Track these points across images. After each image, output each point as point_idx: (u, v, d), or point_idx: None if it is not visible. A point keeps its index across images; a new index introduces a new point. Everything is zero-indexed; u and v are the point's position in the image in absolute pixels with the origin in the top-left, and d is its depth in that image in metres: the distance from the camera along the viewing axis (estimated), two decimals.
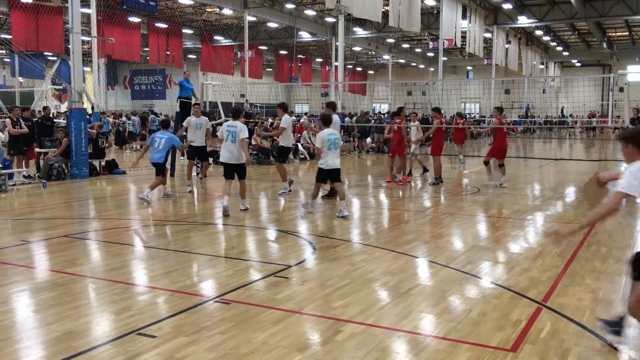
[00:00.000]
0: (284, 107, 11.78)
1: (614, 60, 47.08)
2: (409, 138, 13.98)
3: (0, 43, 28.49)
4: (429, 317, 4.67)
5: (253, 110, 31.45)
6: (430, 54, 48.50)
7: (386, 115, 29.53)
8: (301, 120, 24.22)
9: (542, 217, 9.54)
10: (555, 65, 53.98)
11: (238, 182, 9.36)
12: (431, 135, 13.67)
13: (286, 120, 11.31)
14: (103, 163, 14.99)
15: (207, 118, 12.61)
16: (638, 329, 4.50)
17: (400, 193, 12.14)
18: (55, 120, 20.65)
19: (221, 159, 9.40)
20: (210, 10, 35.18)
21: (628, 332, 4.43)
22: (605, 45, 45.17)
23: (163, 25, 34.00)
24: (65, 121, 19.18)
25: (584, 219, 4.06)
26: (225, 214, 8.96)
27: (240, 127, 9.11)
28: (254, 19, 34.61)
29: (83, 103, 15.04)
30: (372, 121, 25.81)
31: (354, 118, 26.42)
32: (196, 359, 3.85)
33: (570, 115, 43.17)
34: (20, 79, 35.52)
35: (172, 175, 14.06)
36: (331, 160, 9.07)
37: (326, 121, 9.50)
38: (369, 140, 23.73)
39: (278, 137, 11.86)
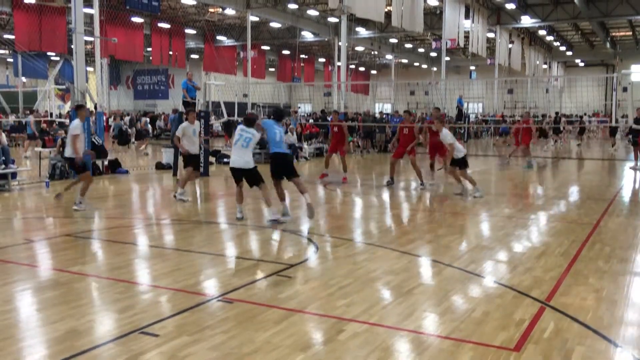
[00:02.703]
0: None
1: (618, 60, 46.91)
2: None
3: (4, 43, 28.58)
4: (432, 317, 4.66)
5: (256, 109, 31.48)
6: (433, 54, 48.47)
7: (389, 115, 29.55)
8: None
9: (546, 216, 9.52)
10: (559, 65, 53.84)
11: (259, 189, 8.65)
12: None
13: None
14: (106, 162, 15.00)
15: (198, 122, 12.01)
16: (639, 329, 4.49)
17: (403, 193, 12.12)
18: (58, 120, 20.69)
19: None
20: (212, 10, 35.19)
21: (630, 332, 4.41)
22: (608, 45, 45.04)
23: (166, 26, 34.03)
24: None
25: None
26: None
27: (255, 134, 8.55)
28: (256, 19, 34.60)
29: (86, 103, 15.06)
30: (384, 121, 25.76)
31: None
32: (199, 358, 3.85)
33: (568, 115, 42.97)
34: (24, 79, 35.60)
35: (175, 174, 14.09)
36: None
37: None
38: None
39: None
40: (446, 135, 10.98)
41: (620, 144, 27.02)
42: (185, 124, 10.92)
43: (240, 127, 8.69)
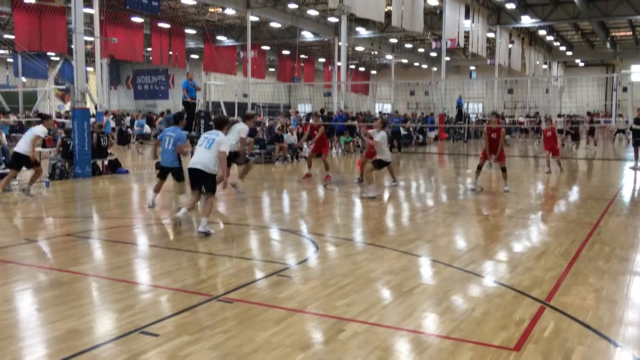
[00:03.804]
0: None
1: (618, 60, 46.94)
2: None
3: (4, 43, 28.58)
4: (432, 316, 4.66)
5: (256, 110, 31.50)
6: (433, 54, 48.49)
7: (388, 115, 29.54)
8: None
9: (546, 216, 9.52)
10: (559, 65, 53.88)
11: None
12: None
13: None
14: (106, 162, 15.01)
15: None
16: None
17: (402, 193, 12.13)
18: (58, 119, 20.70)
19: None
20: (212, 10, 35.20)
21: (630, 332, 4.42)
22: (608, 45, 45.07)
23: (166, 26, 34.03)
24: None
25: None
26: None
27: (220, 138, 7.79)
28: (256, 19, 34.62)
29: (86, 103, 15.07)
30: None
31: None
32: (199, 357, 3.85)
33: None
34: (24, 79, 35.62)
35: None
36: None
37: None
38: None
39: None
40: (381, 137, 11.23)
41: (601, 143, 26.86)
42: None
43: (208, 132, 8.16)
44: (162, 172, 9.61)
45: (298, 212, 9.91)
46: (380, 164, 11.44)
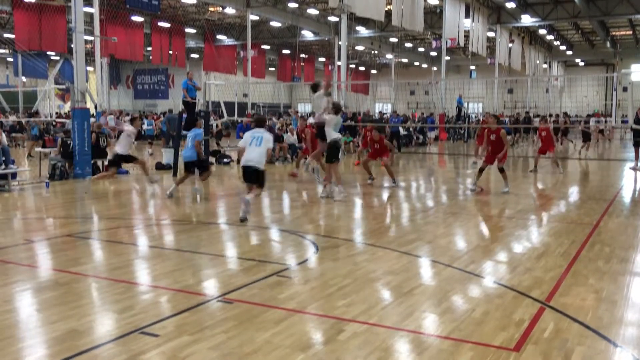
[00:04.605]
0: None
1: (618, 60, 46.94)
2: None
3: (4, 42, 28.57)
4: (432, 317, 4.67)
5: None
6: (433, 53, 48.46)
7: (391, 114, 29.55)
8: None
9: (546, 216, 9.52)
10: (559, 65, 53.86)
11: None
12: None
13: None
14: (106, 163, 14.99)
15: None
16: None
17: (402, 193, 12.13)
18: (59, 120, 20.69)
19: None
20: (213, 9, 35.21)
21: (629, 332, 4.42)
22: (608, 44, 45.05)
23: (166, 25, 34.04)
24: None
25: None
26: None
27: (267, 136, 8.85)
28: (256, 18, 34.63)
29: (86, 103, 15.07)
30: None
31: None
32: (199, 358, 3.85)
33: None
34: (24, 79, 35.62)
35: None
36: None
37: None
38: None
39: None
40: (330, 118, 10.94)
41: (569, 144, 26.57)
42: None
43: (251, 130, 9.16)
44: (188, 166, 11.10)
45: (298, 212, 9.90)
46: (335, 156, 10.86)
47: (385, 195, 11.87)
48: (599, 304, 4.99)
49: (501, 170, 11.69)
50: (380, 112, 36.74)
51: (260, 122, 9.37)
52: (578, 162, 19.89)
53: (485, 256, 6.66)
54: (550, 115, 29.55)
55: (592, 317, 4.63)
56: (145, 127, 28.90)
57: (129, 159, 12.00)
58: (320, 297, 5.11)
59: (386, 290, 5.38)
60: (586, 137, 22.85)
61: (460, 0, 30.51)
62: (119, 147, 11.70)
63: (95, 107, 19.09)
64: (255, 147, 8.62)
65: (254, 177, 8.73)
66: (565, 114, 36.12)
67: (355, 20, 32.22)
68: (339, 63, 30.09)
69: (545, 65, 49.39)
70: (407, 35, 43.00)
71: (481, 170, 11.80)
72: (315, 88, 11.72)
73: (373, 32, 39.04)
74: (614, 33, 44.51)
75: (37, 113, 27.48)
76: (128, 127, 12.24)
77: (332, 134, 10.85)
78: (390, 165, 13.18)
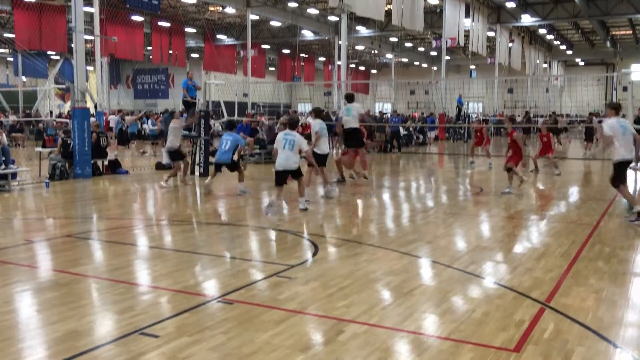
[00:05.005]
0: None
1: (618, 59, 46.91)
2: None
3: (4, 42, 28.55)
4: (432, 318, 4.67)
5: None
6: (433, 53, 48.41)
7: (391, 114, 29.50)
8: None
9: (546, 216, 9.52)
10: (559, 64, 53.83)
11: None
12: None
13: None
14: (106, 163, 15.00)
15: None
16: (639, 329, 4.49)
17: (402, 193, 12.13)
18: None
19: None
20: (213, 9, 35.18)
21: (630, 333, 4.42)
22: (609, 44, 45.02)
23: (166, 24, 34.00)
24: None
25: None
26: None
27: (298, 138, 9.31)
28: (256, 17, 34.60)
29: (86, 102, 15.06)
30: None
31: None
32: (199, 358, 3.85)
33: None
34: (24, 78, 35.57)
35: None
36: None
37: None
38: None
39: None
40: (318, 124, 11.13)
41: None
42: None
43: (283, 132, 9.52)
44: (218, 166, 11.42)
45: (298, 212, 9.88)
46: (323, 160, 10.98)
47: (385, 195, 11.87)
48: (599, 304, 4.99)
49: (508, 170, 11.66)
50: (380, 112, 36.74)
51: (293, 124, 9.68)
52: (578, 162, 19.88)
53: (485, 257, 6.66)
54: (550, 116, 29.63)
55: (592, 318, 4.63)
56: (149, 127, 28.88)
57: (177, 155, 12.61)
58: (321, 297, 5.11)
59: (386, 290, 5.38)
60: (589, 136, 22.70)
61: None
62: (171, 142, 12.47)
63: (95, 107, 19.03)
64: (287, 150, 9.11)
65: (287, 177, 9.30)
66: (554, 113, 36.10)
67: (355, 19, 32.19)
68: (339, 63, 30.08)
69: (545, 65, 49.36)
70: (407, 34, 42.98)
71: (509, 170, 11.64)
72: (351, 99, 13.01)
73: (373, 32, 39.01)
74: (614, 33, 44.48)
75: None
76: (171, 123, 13.12)
77: (324, 150, 11.18)
78: (350, 165, 13.14)
